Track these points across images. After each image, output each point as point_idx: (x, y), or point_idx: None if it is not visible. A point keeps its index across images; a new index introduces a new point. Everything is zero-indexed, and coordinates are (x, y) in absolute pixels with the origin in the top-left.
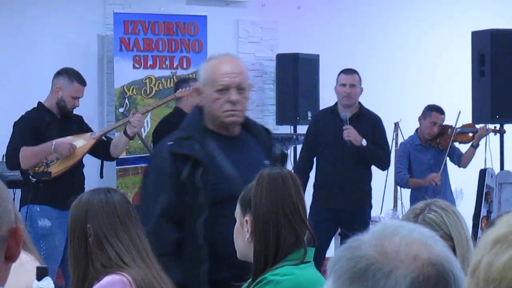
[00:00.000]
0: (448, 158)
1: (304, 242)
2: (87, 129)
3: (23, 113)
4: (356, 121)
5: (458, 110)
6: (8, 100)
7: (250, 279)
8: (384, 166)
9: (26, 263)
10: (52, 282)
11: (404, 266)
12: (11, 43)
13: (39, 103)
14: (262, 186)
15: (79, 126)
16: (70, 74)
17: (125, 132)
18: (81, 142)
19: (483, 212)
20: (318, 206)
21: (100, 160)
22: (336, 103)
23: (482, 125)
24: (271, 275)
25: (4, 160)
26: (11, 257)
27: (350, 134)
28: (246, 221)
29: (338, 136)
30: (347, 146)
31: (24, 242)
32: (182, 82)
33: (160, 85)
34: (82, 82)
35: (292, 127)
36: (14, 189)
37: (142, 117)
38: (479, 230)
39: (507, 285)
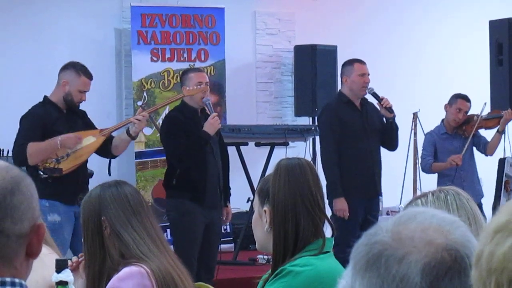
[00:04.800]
0: (474, 148)
1: (323, 232)
2: (91, 124)
3: (29, 108)
4: (367, 106)
5: (478, 100)
6: (26, 94)
7: (270, 270)
8: (396, 145)
9: (44, 257)
10: (71, 274)
11: (417, 251)
12: (29, 38)
13: (45, 97)
14: (280, 176)
15: (84, 121)
16: (77, 68)
17: (127, 131)
18: (90, 139)
19: (503, 201)
20: (352, 197)
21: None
22: (340, 95)
23: (508, 110)
24: (291, 265)
25: (12, 156)
26: (32, 254)
27: (389, 102)
28: (265, 211)
29: (367, 125)
30: (375, 127)
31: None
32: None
33: (178, 78)
34: (89, 76)
35: (310, 118)
36: None
37: (143, 117)
38: None
39: (508, 275)
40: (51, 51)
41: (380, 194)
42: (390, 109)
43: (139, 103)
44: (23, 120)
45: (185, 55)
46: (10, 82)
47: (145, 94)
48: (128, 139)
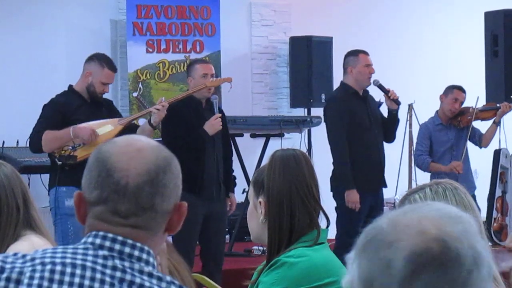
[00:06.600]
0: (468, 140)
1: (318, 223)
2: (117, 113)
3: (53, 96)
4: (368, 97)
5: (473, 91)
6: (23, 86)
7: (265, 261)
8: (394, 138)
9: (38, 248)
10: None
11: (408, 239)
12: (24, 29)
13: (70, 87)
14: (275, 167)
15: (109, 111)
16: (101, 60)
17: (149, 121)
18: (108, 127)
19: (498, 193)
20: (361, 189)
21: None
22: (344, 86)
23: (504, 102)
24: (285, 257)
25: (28, 142)
26: (171, 230)
27: (396, 93)
28: (260, 202)
29: (372, 116)
30: (381, 119)
31: (38, 226)
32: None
33: (174, 69)
34: (113, 68)
35: (306, 109)
36: (29, 175)
37: (163, 107)
38: (494, 211)
39: None
40: (47, 42)
41: (384, 186)
42: (396, 101)
43: (134, 94)
44: (44, 108)
45: (181, 46)
46: (5, 73)
47: (140, 85)
48: (150, 128)
